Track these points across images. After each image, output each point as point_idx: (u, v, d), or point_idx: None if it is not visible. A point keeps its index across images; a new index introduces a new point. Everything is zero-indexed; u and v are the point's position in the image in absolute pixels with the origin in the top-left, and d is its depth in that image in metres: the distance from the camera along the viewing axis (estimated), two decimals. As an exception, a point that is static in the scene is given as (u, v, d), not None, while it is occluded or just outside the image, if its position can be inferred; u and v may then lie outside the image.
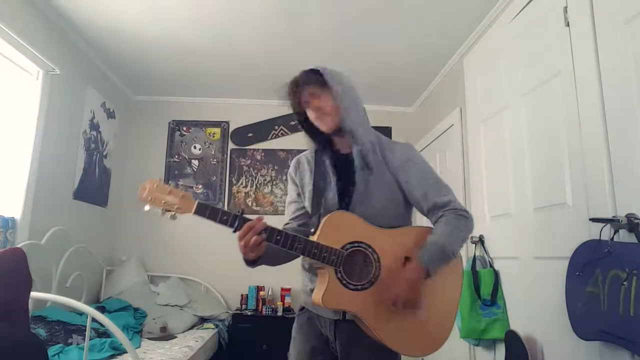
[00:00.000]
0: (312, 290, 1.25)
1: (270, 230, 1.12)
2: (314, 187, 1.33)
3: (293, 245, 1.13)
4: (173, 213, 1.11)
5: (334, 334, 1.26)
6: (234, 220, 1.10)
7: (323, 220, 1.19)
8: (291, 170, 1.46)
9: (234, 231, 1.10)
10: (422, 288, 1.17)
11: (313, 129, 1.33)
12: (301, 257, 1.27)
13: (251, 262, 1.20)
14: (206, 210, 1.10)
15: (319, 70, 1.28)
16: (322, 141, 1.36)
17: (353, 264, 1.18)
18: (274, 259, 1.27)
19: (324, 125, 1.29)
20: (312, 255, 1.13)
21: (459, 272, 1.33)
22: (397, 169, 1.29)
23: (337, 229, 1.18)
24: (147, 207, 1.10)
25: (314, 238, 1.16)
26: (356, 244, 1.19)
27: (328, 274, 1.15)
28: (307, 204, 1.35)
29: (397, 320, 1.17)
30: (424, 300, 1.19)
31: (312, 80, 1.28)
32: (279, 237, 1.12)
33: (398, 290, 1.14)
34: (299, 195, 1.40)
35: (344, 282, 1.16)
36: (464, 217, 1.25)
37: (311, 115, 1.30)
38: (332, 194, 1.29)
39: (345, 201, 1.27)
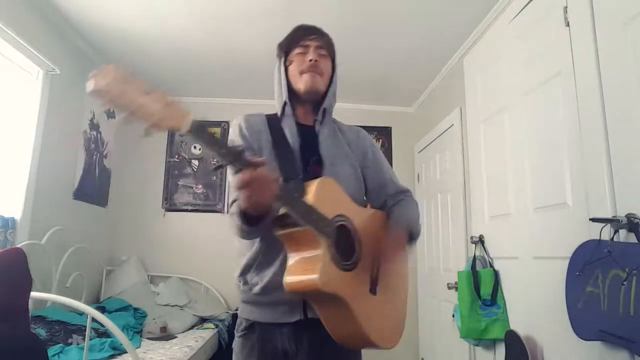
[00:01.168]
0: (263, 291, 1.07)
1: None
2: (278, 152, 1.14)
3: (295, 205, 0.91)
4: (149, 125, 0.71)
5: (294, 345, 1.08)
6: (237, 155, 0.82)
7: (316, 183, 1.01)
8: (243, 126, 1.19)
9: (237, 172, 0.84)
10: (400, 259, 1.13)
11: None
12: (246, 248, 1.12)
13: (252, 223, 0.95)
14: (202, 134, 0.77)
15: (332, 39, 1.28)
16: (290, 102, 1.22)
17: (340, 240, 1.01)
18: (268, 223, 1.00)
19: (309, 83, 1.17)
20: (312, 222, 0.92)
21: (406, 261, 1.29)
22: (362, 152, 1.26)
23: (328, 197, 1.02)
24: (102, 106, 0.67)
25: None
26: (342, 218, 1.04)
27: (322, 248, 0.94)
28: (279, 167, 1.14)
29: (373, 308, 1.07)
30: (392, 285, 1.15)
31: (326, 38, 1.25)
32: (282, 193, 0.88)
33: (387, 249, 1.06)
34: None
35: (336, 259, 0.98)
36: (417, 204, 1.30)
37: (297, 63, 1.19)
38: (297, 163, 1.14)
39: (308, 177, 1.11)
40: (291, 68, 1.22)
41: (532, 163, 2.00)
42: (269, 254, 1.08)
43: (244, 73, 3.42)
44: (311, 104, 1.25)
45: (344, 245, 1.03)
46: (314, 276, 0.91)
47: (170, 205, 3.82)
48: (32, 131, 2.50)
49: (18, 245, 2.26)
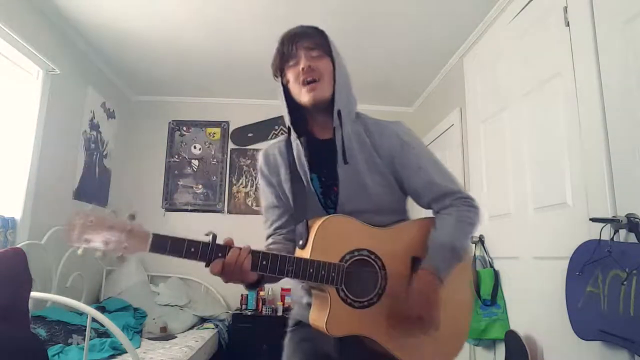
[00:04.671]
0: (309, 305, 1.06)
1: (253, 255, 0.89)
2: (293, 186, 1.09)
3: (283, 269, 0.91)
4: (120, 254, 0.83)
5: (339, 353, 1.05)
6: (204, 253, 0.86)
7: (313, 229, 0.98)
8: (261, 166, 1.17)
9: (207, 265, 0.87)
10: (438, 298, 0.98)
11: (291, 103, 1.10)
12: None
13: (251, 285, 0.98)
14: (166, 245, 0.84)
15: (323, 32, 1.10)
16: (299, 120, 1.11)
17: (355, 278, 0.98)
18: (271, 279, 1.00)
19: (310, 95, 1.04)
20: (308, 276, 0.92)
21: (468, 269, 1.17)
22: (391, 154, 1.09)
23: (331, 238, 0.98)
24: (80, 251, 0.81)
25: (304, 253, 0.96)
26: (356, 253, 0.99)
27: (329, 294, 0.95)
28: (291, 205, 1.11)
29: (412, 335, 1.00)
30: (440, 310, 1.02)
31: (315, 36, 1.09)
32: (264, 263, 0.90)
33: (413, 307, 0.95)
34: (278, 197, 1.14)
35: (349, 301, 0.96)
36: (472, 208, 1.07)
37: (294, 76, 1.07)
38: (312, 195, 1.07)
39: (331, 199, 1.08)
40: (291, 85, 1.09)
41: (532, 163, 2.00)
42: None
43: (244, 73, 3.42)
44: (327, 113, 1.09)
45: (365, 279, 0.99)
46: (322, 323, 0.94)
47: (170, 205, 3.82)
48: (32, 131, 2.50)
49: (18, 245, 2.26)
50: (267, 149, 1.19)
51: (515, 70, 2.16)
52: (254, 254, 0.90)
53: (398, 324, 0.98)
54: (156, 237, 0.83)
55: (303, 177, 1.09)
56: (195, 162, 3.96)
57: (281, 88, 1.12)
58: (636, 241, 1.30)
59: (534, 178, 1.98)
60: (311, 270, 0.93)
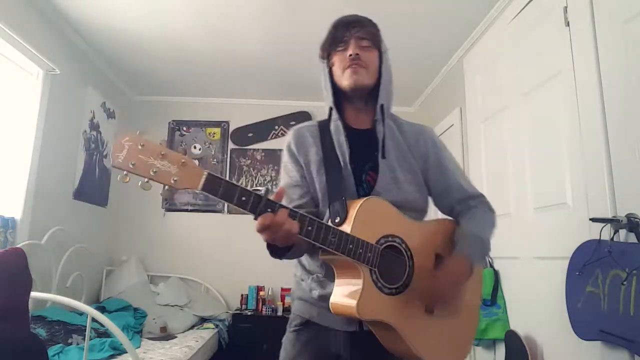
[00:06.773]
0: (321, 298, 1.03)
1: (300, 218, 0.86)
2: (327, 167, 1.09)
3: (327, 238, 0.89)
4: (166, 187, 0.78)
5: (349, 351, 1.04)
6: (255, 203, 0.82)
7: (353, 208, 0.96)
8: (292, 143, 1.15)
9: (256, 218, 0.84)
10: (465, 284, 1.03)
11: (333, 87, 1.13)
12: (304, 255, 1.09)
13: (279, 252, 0.96)
14: (218, 187, 0.80)
15: (376, 25, 1.16)
16: (337, 106, 1.14)
17: (386, 263, 0.97)
18: (299, 250, 1.02)
19: (352, 78, 1.08)
20: (347, 251, 0.90)
21: (481, 273, 1.23)
22: (423, 154, 1.15)
23: (370, 220, 0.97)
24: (125, 178, 0.76)
25: (345, 229, 0.93)
26: (390, 239, 0.99)
27: (362, 275, 0.93)
28: (317, 186, 1.09)
29: (430, 329, 1.02)
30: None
31: (368, 26, 1.15)
32: (310, 228, 0.87)
33: (443, 286, 0.99)
34: (303, 177, 1.12)
35: (379, 285, 0.95)
36: (493, 212, 1.19)
37: (339, 60, 1.11)
38: (348, 177, 1.07)
39: (362, 187, 1.08)
40: (334, 69, 1.13)
41: (532, 163, 2.00)
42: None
43: (244, 73, 3.42)
44: (364, 104, 1.15)
45: (394, 266, 0.99)
46: (352, 304, 0.91)
47: (170, 205, 3.82)
48: (32, 131, 2.51)
49: (18, 245, 2.26)
50: (299, 129, 1.19)
51: (515, 70, 2.16)
52: (302, 217, 0.87)
53: (418, 314, 1.00)
54: (210, 176, 0.80)
55: (341, 159, 1.09)
56: (195, 162, 3.95)
57: (326, 70, 1.15)
58: (636, 241, 1.30)
59: (534, 178, 1.98)
60: (351, 246, 0.91)
